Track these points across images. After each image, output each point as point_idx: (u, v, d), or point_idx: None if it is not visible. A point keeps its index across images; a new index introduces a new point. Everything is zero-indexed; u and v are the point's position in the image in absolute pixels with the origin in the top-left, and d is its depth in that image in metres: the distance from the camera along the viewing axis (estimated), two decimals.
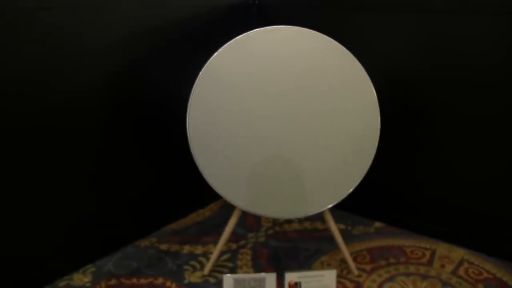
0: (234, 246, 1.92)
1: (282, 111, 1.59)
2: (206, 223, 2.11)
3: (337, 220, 1.95)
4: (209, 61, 1.59)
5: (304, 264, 1.80)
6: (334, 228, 1.72)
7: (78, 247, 1.79)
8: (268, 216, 1.66)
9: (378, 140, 1.62)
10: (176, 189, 2.12)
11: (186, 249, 1.91)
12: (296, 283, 1.57)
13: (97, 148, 1.77)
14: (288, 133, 1.60)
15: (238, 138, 1.60)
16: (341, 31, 1.72)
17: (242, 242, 1.95)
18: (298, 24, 1.62)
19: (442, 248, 1.86)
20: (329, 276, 1.58)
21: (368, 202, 2.09)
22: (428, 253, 1.83)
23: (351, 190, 1.63)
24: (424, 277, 1.69)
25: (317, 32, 1.61)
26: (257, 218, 2.13)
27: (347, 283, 1.67)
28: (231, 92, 1.59)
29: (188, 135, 1.59)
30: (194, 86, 1.58)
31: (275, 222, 2.09)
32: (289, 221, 2.10)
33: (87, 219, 1.80)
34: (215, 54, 1.59)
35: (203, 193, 2.22)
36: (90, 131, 1.73)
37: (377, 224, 2.05)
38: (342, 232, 1.96)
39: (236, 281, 1.55)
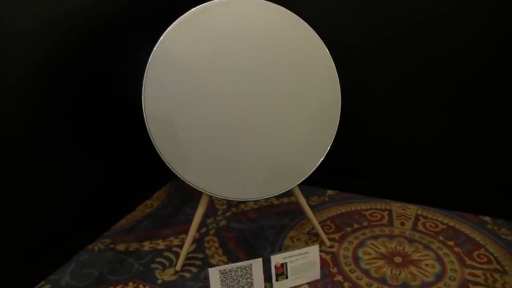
0: (196, 234, 1.83)
1: (242, 89, 1.51)
2: (157, 214, 1.98)
3: (289, 193, 1.96)
4: (160, 40, 1.45)
5: (275, 242, 1.78)
6: (303, 203, 1.71)
7: (23, 265, 1.57)
8: (238, 199, 1.60)
9: (340, 111, 1.63)
10: (119, 182, 1.94)
11: (147, 245, 1.77)
12: (282, 264, 1.55)
13: (30, 148, 1.54)
14: (250, 112, 1.52)
15: (199, 120, 1.49)
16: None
17: (204, 230, 1.86)
18: None
19: (396, 207, 1.96)
20: (313, 252, 1.58)
21: (317, 171, 2.11)
22: (386, 214, 1.92)
23: (319, 162, 1.64)
24: (391, 237, 1.78)
25: (273, 4, 1.54)
26: (211, 202, 2.05)
27: (323, 255, 1.69)
28: (186, 72, 1.47)
29: (146, 123, 1.45)
30: (147, 70, 1.44)
31: (230, 203, 2.03)
32: (243, 201, 2.05)
33: (27, 231, 1.57)
34: (165, 32, 1.45)
35: (147, 182, 2.09)
36: (20, 128, 1.49)
37: (330, 192, 2.10)
38: (299, 204, 1.97)
39: (222, 273, 1.49)
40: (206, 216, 1.95)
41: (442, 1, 1.69)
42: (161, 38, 1.45)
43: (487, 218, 1.86)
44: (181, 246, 1.76)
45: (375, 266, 1.64)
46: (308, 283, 1.57)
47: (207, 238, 1.81)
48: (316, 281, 1.58)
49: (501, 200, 1.86)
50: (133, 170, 1.99)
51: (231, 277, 1.50)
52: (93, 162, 1.81)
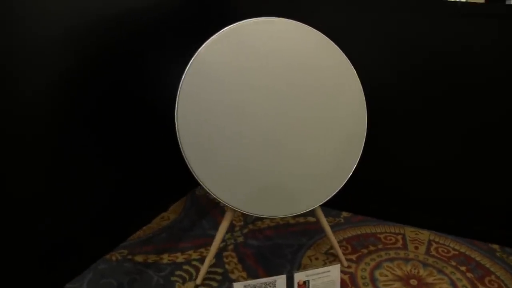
0: None
1: (273, 107, 1.55)
2: (175, 227, 1.99)
3: (306, 214, 1.99)
4: (197, 53, 1.49)
5: (293, 260, 1.81)
6: (324, 222, 1.74)
7: (40, 272, 1.56)
8: (263, 215, 1.62)
9: (365, 136, 1.68)
10: (136, 193, 1.95)
11: (166, 258, 1.78)
12: (304, 282, 1.58)
13: (51, 156, 1.55)
14: (280, 130, 1.56)
15: (230, 135, 1.52)
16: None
17: (222, 244, 1.88)
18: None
19: (409, 232, 2.01)
20: (334, 271, 1.61)
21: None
22: (399, 238, 1.96)
23: (342, 185, 1.68)
24: (406, 260, 1.82)
25: (309, 26, 1.60)
26: None
27: (341, 275, 1.72)
28: (221, 86, 1.51)
29: (177, 135, 1.48)
30: (182, 82, 1.47)
31: (247, 220, 2.05)
32: (260, 218, 2.08)
33: (44, 237, 1.57)
34: (203, 45, 1.50)
35: (164, 195, 2.11)
36: (43, 137, 1.50)
37: (344, 213, 2.14)
38: (315, 224, 2.01)
39: None
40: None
41: (462, 35, 1.78)
42: (199, 50, 1.50)
43: (495, 246, 1.91)
44: (200, 260, 1.77)
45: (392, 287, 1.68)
46: None
47: (225, 253, 1.83)
48: None
49: (509, 229, 1.92)
50: (150, 182, 2.01)
51: None
52: (111, 172, 1.83)
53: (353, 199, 2.11)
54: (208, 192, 1.55)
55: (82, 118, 1.64)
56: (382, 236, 1.97)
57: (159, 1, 1.89)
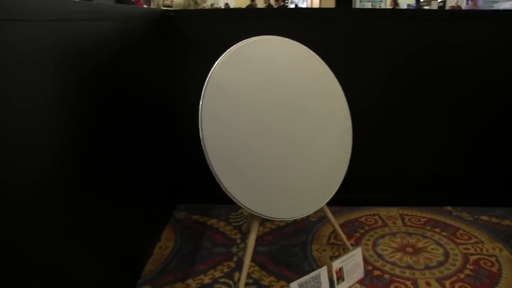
0: (233, 264, 1.88)
1: (286, 119, 1.69)
2: (179, 253, 1.97)
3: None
4: (211, 73, 1.56)
5: (305, 256, 1.94)
6: (330, 215, 1.91)
7: None
8: (286, 219, 1.72)
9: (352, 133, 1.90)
10: (131, 227, 1.88)
11: (193, 283, 1.77)
12: (340, 269, 1.73)
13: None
14: (294, 138, 1.70)
15: (255, 150, 1.62)
16: None
17: (235, 259, 1.92)
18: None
19: (381, 211, 2.29)
20: (358, 253, 1.80)
21: None
22: (377, 218, 2.23)
23: (342, 177, 1.87)
24: (393, 234, 2.09)
25: (295, 42, 1.78)
26: (223, 234, 2.12)
27: None
28: (238, 105, 1.60)
29: (206, 156, 1.52)
30: (202, 104, 1.53)
31: (243, 231, 2.11)
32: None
33: None
34: (215, 66, 1.58)
35: (152, 225, 2.06)
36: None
37: None
38: (301, 222, 2.16)
39: (300, 286, 1.60)
40: (226, 246, 2.01)
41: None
42: (211, 72, 1.56)
43: (449, 208, 2.31)
44: (226, 277, 1.81)
45: (397, 258, 1.92)
46: (358, 282, 1.78)
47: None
48: (363, 279, 1.79)
49: (454, 192, 2.33)
50: (140, 213, 1.95)
51: (307, 287, 1.62)
52: (109, 208, 1.75)
53: None
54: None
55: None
56: (363, 219, 2.22)
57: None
